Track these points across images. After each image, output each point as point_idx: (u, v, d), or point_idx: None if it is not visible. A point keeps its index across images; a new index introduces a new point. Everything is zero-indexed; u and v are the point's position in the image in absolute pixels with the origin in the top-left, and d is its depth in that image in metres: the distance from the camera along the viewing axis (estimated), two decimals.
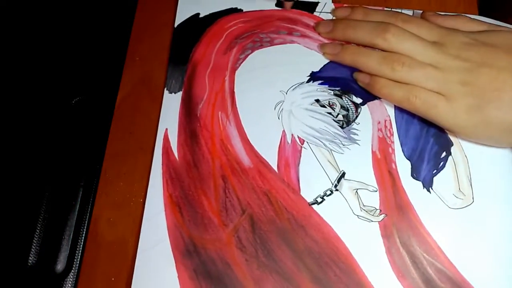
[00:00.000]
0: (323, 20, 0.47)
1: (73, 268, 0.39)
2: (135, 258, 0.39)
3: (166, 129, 0.43)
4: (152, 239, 0.39)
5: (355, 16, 0.45)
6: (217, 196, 0.40)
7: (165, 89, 0.44)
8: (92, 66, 0.46)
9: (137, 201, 0.41)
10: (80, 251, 0.40)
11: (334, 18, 0.47)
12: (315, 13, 0.48)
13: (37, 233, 0.40)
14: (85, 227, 0.41)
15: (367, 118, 0.43)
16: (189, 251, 0.38)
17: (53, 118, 0.44)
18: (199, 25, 0.47)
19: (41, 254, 0.40)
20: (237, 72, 0.45)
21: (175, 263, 0.38)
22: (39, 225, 0.40)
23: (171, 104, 0.44)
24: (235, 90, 0.44)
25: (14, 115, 0.45)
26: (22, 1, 0.48)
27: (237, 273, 0.38)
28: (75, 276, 0.39)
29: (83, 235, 0.40)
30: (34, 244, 0.40)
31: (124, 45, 0.47)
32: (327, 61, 0.45)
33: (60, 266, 0.39)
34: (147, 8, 0.49)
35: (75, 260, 0.39)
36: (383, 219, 0.40)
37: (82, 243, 0.40)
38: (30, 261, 0.39)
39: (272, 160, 0.42)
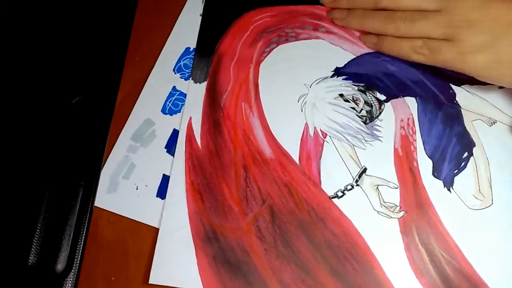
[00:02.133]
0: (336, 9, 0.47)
1: (73, 268, 0.39)
2: (136, 257, 0.39)
3: (190, 117, 0.43)
4: (173, 224, 0.39)
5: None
6: (238, 185, 0.40)
7: (191, 78, 0.45)
8: (92, 66, 0.46)
9: None
10: (80, 251, 0.40)
11: None
12: None
13: (37, 233, 0.40)
14: (85, 227, 0.41)
15: (390, 115, 0.43)
16: (209, 238, 0.38)
17: (53, 118, 0.44)
18: (225, 17, 0.48)
19: (41, 254, 0.39)
20: (262, 65, 0.45)
21: (195, 249, 0.38)
22: (39, 225, 0.40)
23: (196, 94, 0.44)
24: (259, 82, 0.45)
25: (15, 114, 0.44)
26: (22, 1, 0.48)
27: (255, 261, 0.38)
28: (75, 275, 0.39)
29: (83, 234, 0.40)
30: (34, 244, 0.40)
31: (124, 45, 0.47)
32: (352, 57, 0.46)
33: (60, 266, 0.39)
34: (147, 9, 0.49)
35: (75, 259, 0.39)
36: (402, 216, 0.40)
37: (82, 243, 0.40)
38: (30, 261, 0.39)
39: (293, 152, 0.42)
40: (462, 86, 0.45)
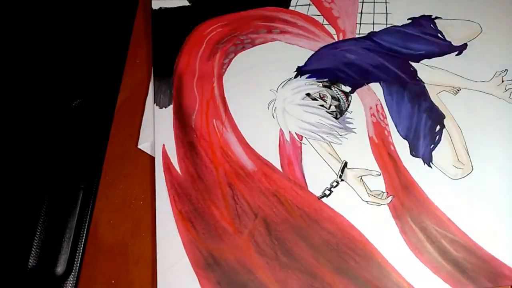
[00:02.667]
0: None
1: (73, 271, 0.39)
2: (135, 260, 0.39)
3: (164, 145, 0.42)
4: (170, 258, 0.38)
5: None
6: (227, 205, 0.40)
7: (155, 104, 0.44)
8: (92, 69, 0.46)
9: (137, 204, 0.41)
10: (80, 253, 0.39)
11: None
12: (291, 7, 0.48)
13: (37, 236, 0.40)
14: (85, 229, 0.40)
15: (359, 105, 0.44)
16: (209, 264, 0.38)
17: (54, 121, 0.44)
18: (176, 35, 0.47)
19: (41, 257, 0.39)
20: (224, 77, 0.45)
21: (198, 278, 0.37)
22: (39, 228, 0.40)
23: (164, 119, 0.43)
24: (225, 95, 0.44)
25: (15, 117, 0.44)
26: (22, 4, 0.48)
27: (260, 277, 0.38)
28: (75, 278, 0.39)
29: (83, 237, 0.40)
30: (34, 247, 0.39)
31: (124, 48, 0.47)
32: (310, 54, 0.46)
33: (60, 269, 0.39)
34: (147, 12, 0.48)
35: (75, 262, 0.39)
36: (391, 200, 0.40)
37: (82, 245, 0.40)
38: (30, 264, 0.39)
39: (274, 160, 0.42)
40: (421, 61, 0.46)
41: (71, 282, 0.38)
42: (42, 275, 0.39)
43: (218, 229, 0.39)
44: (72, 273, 0.39)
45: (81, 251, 0.39)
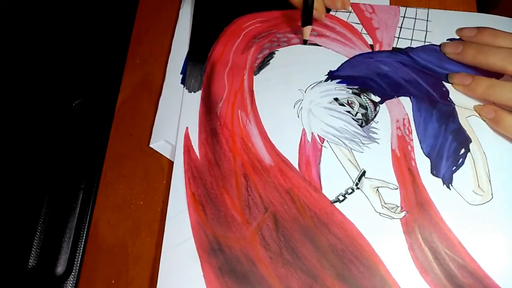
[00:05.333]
0: (450, 42, 0.46)
1: (73, 271, 0.39)
2: (136, 261, 0.39)
3: (187, 127, 0.43)
4: (177, 238, 0.39)
5: (484, 38, 0.44)
6: (239, 194, 0.40)
7: (184, 88, 0.44)
8: (92, 68, 0.46)
9: (137, 204, 0.41)
10: (80, 253, 0.40)
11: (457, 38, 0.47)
12: (331, 13, 0.48)
13: (37, 236, 0.40)
14: (85, 229, 0.40)
15: (386, 117, 0.44)
16: (213, 249, 0.38)
17: (54, 121, 0.44)
18: (216, 24, 0.47)
19: (41, 257, 0.39)
20: (255, 71, 0.45)
21: (200, 261, 0.38)
22: (39, 228, 0.40)
23: (191, 103, 0.44)
24: (254, 89, 0.45)
25: (15, 117, 0.44)
26: (22, 4, 0.48)
27: (262, 270, 0.38)
28: (75, 279, 0.39)
29: (83, 237, 0.40)
30: (34, 247, 0.39)
31: (124, 47, 0.47)
32: (345, 59, 0.46)
33: (60, 269, 0.39)
34: (147, 11, 0.49)
35: (75, 262, 0.39)
36: (404, 216, 0.40)
37: (82, 245, 0.40)
38: (30, 264, 0.39)
39: (293, 158, 0.42)
40: None
41: (71, 282, 0.39)
42: (42, 275, 0.39)
43: (227, 217, 0.39)
44: (72, 273, 0.39)
45: (81, 251, 0.40)
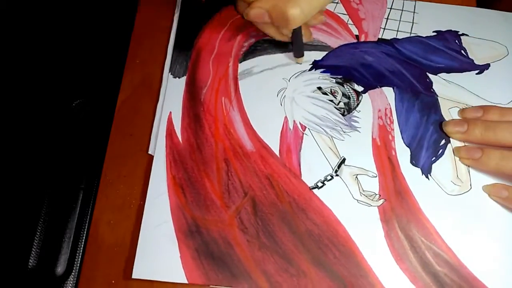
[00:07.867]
0: (453, 119, 0.44)
1: (73, 271, 0.39)
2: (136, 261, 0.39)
3: (170, 112, 0.43)
4: (156, 219, 0.39)
5: (491, 116, 0.42)
6: (219, 179, 0.41)
7: (169, 73, 0.45)
8: (92, 68, 0.46)
9: (137, 204, 0.41)
10: (80, 253, 0.40)
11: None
12: None
13: (37, 236, 0.40)
14: (85, 229, 0.40)
15: (368, 106, 0.44)
16: (191, 231, 0.39)
17: (54, 121, 0.44)
18: (204, 11, 0.48)
19: (42, 257, 0.39)
20: (240, 59, 0.46)
21: (178, 242, 0.38)
22: (40, 228, 0.40)
23: (175, 88, 0.44)
24: (238, 76, 0.45)
25: (15, 117, 0.44)
26: (22, 3, 0.48)
27: (238, 253, 0.38)
28: (75, 279, 0.39)
29: (83, 237, 0.40)
30: (35, 247, 0.39)
31: (124, 47, 0.47)
32: (329, 50, 0.46)
33: (60, 269, 0.39)
34: (147, 11, 0.49)
35: (75, 262, 0.39)
36: (382, 204, 0.40)
37: (82, 245, 0.40)
38: (30, 264, 0.39)
39: (274, 145, 0.42)
40: (439, 74, 0.46)
41: (71, 282, 0.39)
42: (42, 275, 0.39)
43: (206, 200, 0.40)
44: (72, 273, 0.39)
45: (81, 251, 0.40)
